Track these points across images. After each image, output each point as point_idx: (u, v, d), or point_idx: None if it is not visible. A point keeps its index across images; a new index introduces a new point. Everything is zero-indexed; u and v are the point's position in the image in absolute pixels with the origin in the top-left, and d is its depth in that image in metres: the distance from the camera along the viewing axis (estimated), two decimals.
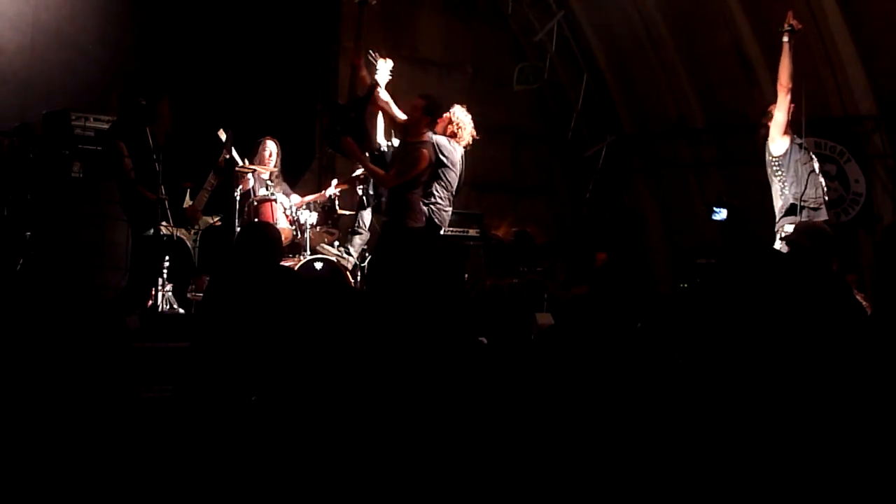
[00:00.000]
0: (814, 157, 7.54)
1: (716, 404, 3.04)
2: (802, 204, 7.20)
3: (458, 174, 8.08)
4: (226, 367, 4.72)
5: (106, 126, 7.57)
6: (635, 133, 12.31)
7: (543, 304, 9.22)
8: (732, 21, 10.10)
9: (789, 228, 7.00)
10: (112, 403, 4.73)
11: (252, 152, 8.83)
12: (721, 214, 7.00)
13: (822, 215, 7.32)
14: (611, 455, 3.06)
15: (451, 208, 8.13)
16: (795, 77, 7.13)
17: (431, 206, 7.88)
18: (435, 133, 7.93)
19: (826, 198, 7.46)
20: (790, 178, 7.33)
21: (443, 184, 7.96)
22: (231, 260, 5.73)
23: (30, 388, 4.66)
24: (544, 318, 7.76)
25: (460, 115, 8.15)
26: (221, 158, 7.95)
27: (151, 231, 6.54)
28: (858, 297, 5.02)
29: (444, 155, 7.87)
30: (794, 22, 7.62)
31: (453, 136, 8.06)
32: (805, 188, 7.28)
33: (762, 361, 3.02)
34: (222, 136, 8.09)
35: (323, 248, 8.97)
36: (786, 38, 7.54)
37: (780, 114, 7.37)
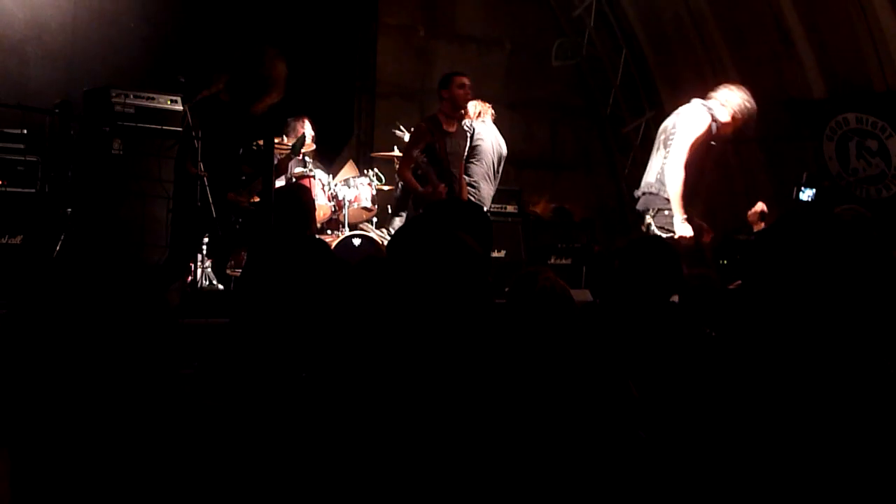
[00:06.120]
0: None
1: (757, 375, 3.00)
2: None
3: (490, 148, 8.31)
4: (268, 342, 4.75)
5: (147, 103, 7.70)
6: (674, 108, 12.20)
7: (581, 279, 9.22)
8: None
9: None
10: (154, 381, 4.78)
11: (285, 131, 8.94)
12: (808, 194, 6.72)
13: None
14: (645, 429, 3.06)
15: (488, 185, 8.30)
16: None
17: (471, 184, 8.15)
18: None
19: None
20: None
21: (476, 160, 8.23)
22: (269, 230, 5.79)
23: (72, 367, 4.71)
24: (581, 295, 7.76)
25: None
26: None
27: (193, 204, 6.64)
28: None
29: (476, 135, 8.33)
30: None
31: (477, 116, 8.39)
32: None
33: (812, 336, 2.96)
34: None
35: (365, 226, 9.04)
36: None
37: None
